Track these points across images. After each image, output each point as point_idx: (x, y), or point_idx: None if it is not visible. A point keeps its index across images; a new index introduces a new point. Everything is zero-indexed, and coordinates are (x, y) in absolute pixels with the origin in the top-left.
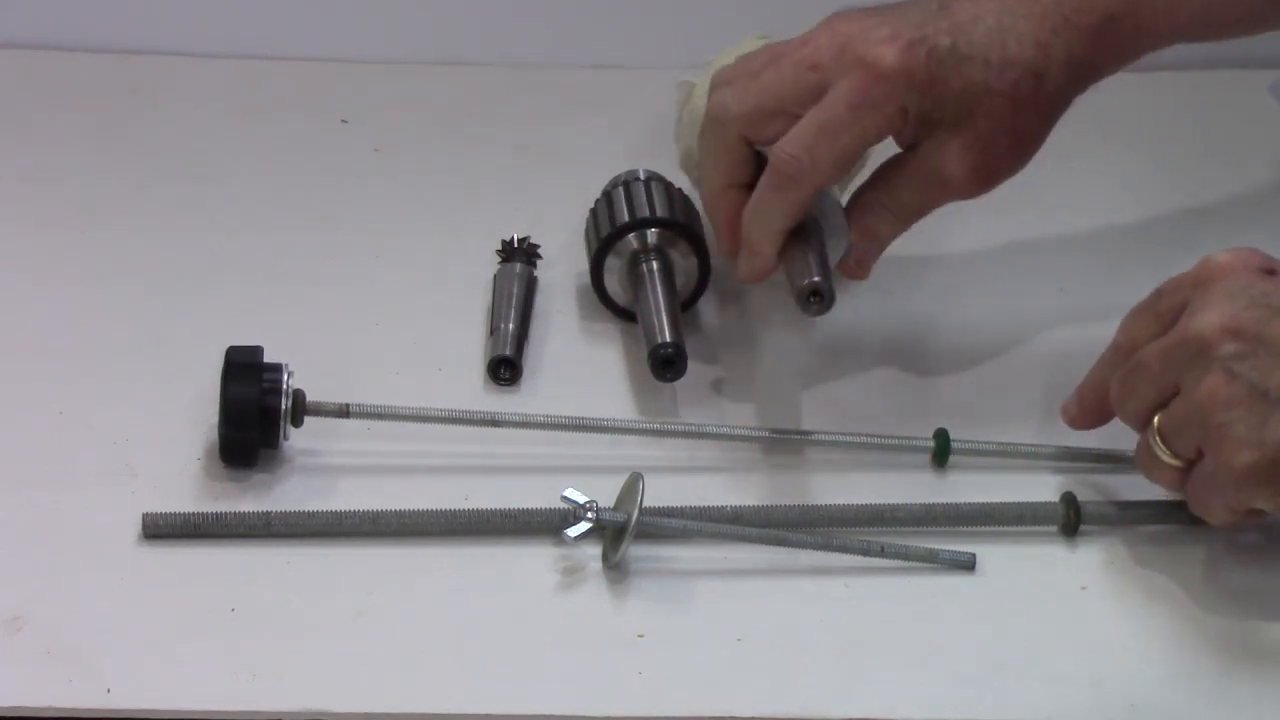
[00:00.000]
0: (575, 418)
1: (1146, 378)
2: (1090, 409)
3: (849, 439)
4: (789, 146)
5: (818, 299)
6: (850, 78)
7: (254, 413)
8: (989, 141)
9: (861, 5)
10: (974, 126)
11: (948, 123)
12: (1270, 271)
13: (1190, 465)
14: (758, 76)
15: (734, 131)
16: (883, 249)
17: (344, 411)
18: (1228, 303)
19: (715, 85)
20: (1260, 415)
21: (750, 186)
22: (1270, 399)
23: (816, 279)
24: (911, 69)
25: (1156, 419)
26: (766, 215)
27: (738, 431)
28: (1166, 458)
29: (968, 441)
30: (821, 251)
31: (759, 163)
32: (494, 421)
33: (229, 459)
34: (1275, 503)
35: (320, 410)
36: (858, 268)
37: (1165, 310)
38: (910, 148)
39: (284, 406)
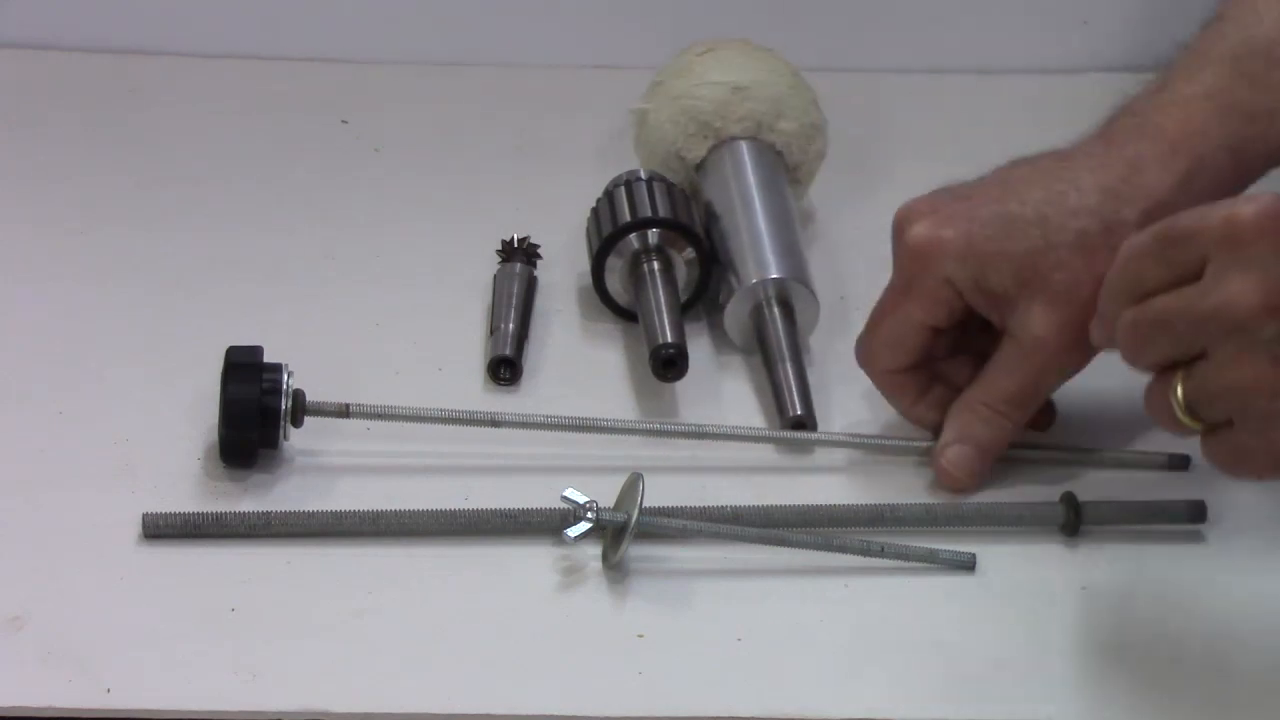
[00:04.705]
0: (575, 418)
1: (1168, 336)
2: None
3: (849, 440)
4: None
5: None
6: (898, 261)
7: (254, 413)
8: (1070, 296)
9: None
10: (1050, 286)
11: (1018, 287)
12: None
13: (1211, 427)
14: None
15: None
16: (987, 451)
17: (344, 411)
18: (1263, 275)
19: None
20: None
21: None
22: None
23: (800, 413)
24: (943, 238)
25: (1181, 382)
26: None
27: (738, 432)
28: (1187, 420)
29: None
30: (802, 380)
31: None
32: (494, 422)
33: (229, 459)
34: None
35: (320, 410)
36: (957, 476)
37: (1179, 261)
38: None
39: (284, 407)
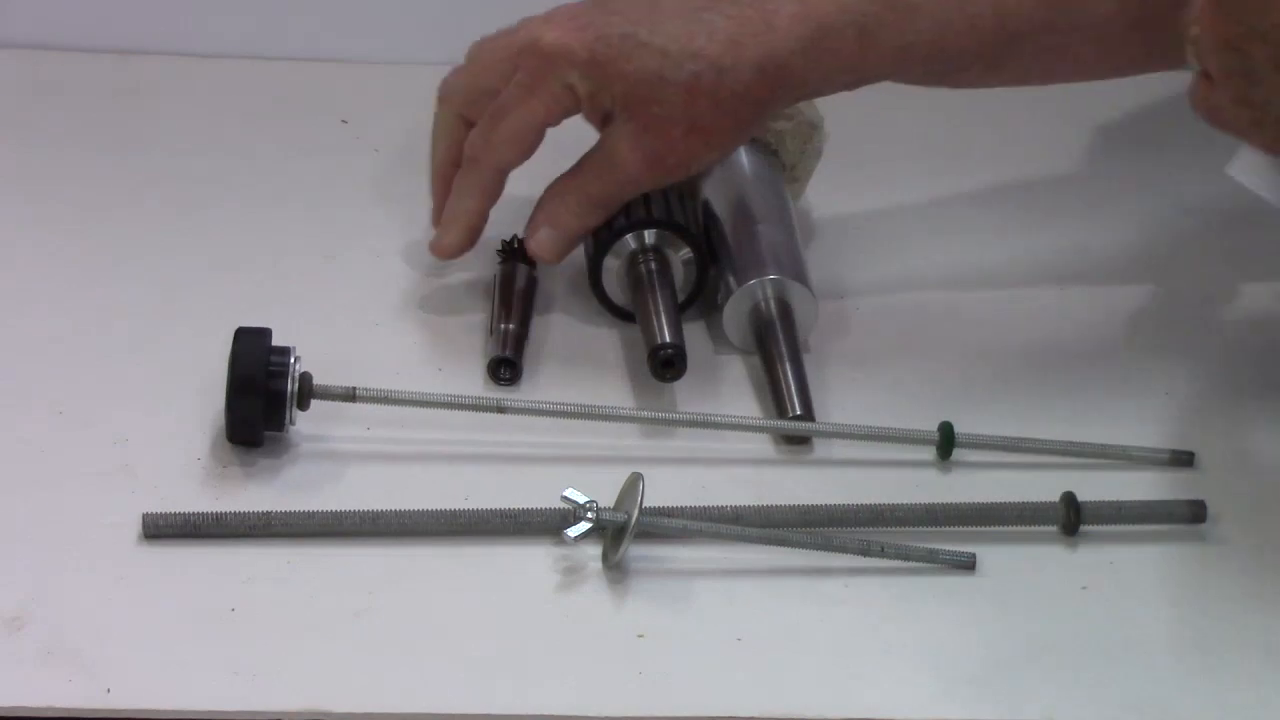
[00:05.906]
0: (582, 405)
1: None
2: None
3: (850, 430)
4: (473, 132)
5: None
6: (523, 60)
7: (261, 389)
8: (662, 129)
9: None
10: (648, 113)
11: (621, 108)
12: None
13: None
14: (474, 60)
15: (450, 110)
16: (570, 237)
17: (350, 395)
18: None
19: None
20: None
21: None
22: None
23: (799, 412)
24: (571, 48)
25: None
26: (459, 194)
27: (742, 422)
28: None
29: (973, 435)
30: (801, 380)
31: None
32: (500, 408)
33: (235, 436)
34: None
35: (327, 394)
36: (544, 256)
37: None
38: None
39: (291, 389)
